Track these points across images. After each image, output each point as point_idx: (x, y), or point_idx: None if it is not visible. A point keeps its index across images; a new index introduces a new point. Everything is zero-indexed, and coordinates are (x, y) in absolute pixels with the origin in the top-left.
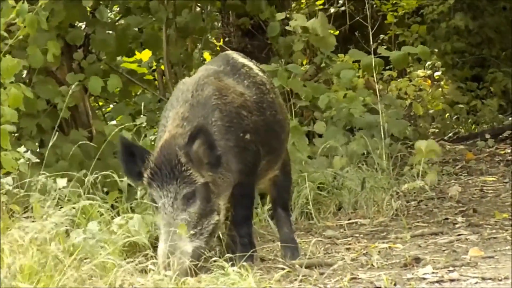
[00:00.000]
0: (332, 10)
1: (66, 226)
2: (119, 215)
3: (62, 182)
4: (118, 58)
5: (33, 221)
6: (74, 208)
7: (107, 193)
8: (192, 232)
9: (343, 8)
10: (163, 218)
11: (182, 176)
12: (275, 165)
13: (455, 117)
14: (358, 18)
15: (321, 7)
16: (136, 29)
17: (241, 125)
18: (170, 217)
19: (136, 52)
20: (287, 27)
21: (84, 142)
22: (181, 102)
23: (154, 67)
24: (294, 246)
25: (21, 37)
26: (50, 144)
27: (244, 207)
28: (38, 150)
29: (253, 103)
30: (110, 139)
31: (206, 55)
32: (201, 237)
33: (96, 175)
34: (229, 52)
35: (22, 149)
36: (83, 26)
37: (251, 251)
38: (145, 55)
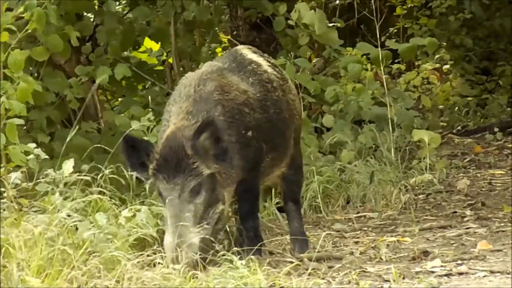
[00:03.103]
0: (337, 2)
1: (74, 220)
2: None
3: (68, 166)
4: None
5: (40, 213)
6: (83, 201)
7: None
8: (198, 222)
9: (349, 0)
10: (169, 210)
11: (189, 169)
12: (281, 162)
13: (464, 110)
14: (364, 12)
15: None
16: (144, 22)
17: (243, 121)
18: (177, 209)
19: (146, 42)
20: (289, 21)
21: (93, 132)
22: (183, 97)
23: (163, 59)
24: (304, 240)
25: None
26: (68, 139)
27: (248, 203)
28: (48, 142)
29: (256, 100)
30: (120, 131)
31: (218, 49)
32: (207, 226)
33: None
34: (240, 47)
35: (32, 144)
36: (91, 19)
37: (259, 244)
38: (155, 45)
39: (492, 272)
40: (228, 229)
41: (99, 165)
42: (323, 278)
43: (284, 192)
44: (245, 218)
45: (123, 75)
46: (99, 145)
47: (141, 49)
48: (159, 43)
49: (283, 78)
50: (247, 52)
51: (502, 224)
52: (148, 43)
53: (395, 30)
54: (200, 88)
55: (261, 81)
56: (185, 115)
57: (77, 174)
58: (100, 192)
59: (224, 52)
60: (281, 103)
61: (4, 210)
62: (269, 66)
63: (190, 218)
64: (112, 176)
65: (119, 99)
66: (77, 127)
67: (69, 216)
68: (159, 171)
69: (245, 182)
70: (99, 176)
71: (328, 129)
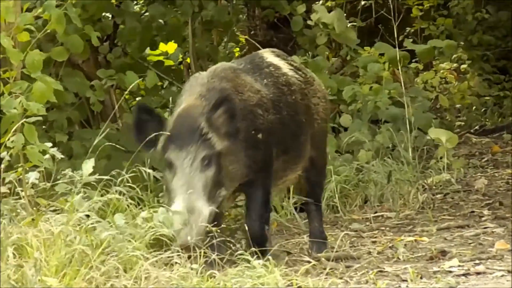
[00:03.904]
0: (362, 2)
1: (92, 221)
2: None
3: (88, 166)
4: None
5: (58, 213)
6: (101, 201)
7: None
8: (207, 196)
9: (370, 1)
10: (180, 180)
11: (202, 139)
12: (295, 165)
13: (482, 109)
14: (382, 12)
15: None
16: (162, 21)
17: (254, 123)
18: (188, 177)
19: (162, 44)
20: (308, 22)
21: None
22: (196, 86)
23: (180, 59)
24: (322, 241)
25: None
26: (96, 142)
27: (258, 206)
28: (66, 141)
29: (269, 100)
30: None
31: (236, 49)
32: (213, 205)
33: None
34: (263, 51)
35: (48, 144)
36: (110, 17)
37: (268, 248)
38: (171, 47)
39: (509, 271)
40: (246, 228)
41: (118, 165)
42: (340, 278)
43: (307, 193)
44: (253, 223)
45: (154, 83)
46: (117, 145)
47: (156, 52)
48: (175, 42)
49: (306, 82)
50: (268, 55)
51: None
52: (164, 46)
53: (412, 30)
54: (214, 81)
55: (276, 83)
56: (198, 96)
57: (97, 174)
58: (118, 193)
59: (240, 51)
60: (297, 106)
61: (19, 210)
62: (290, 69)
63: (201, 187)
64: (132, 175)
65: (137, 99)
66: (100, 128)
67: (87, 216)
68: (171, 141)
69: (253, 184)
70: (118, 179)
71: (345, 129)
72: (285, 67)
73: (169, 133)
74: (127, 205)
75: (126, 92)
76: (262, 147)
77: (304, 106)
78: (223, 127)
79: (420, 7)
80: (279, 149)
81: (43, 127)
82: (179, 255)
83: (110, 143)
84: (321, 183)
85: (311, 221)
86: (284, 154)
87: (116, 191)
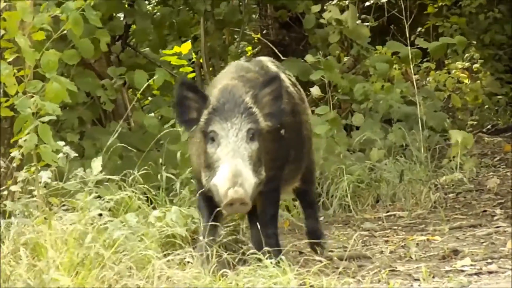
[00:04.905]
0: (368, 3)
1: (104, 220)
2: (155, 208)
3: (97, 165)
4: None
5: (70, 212)
6: (112, 200)
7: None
8: (252, 167)
9: (383, 0)
10: (226, 147)
11: (247, 113)
12: (297, 175)
13: (494, 109)
14: (393, 12)
15: None
16: (173, 20)
17: None
18: (235, 145)
19: (176, 46)
20: (321, 20)
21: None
22: (226, 73)
23: (194, 59)
24: (320, 239)
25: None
26: (112, 139)
27: (272, 206)
28: (78, 141)
29: (287, 104)
30: (149, 131)
31: (249, 48)
32: (257, 178)
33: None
34: (262, 58)
35: (61, 143)
36: (122, 17)
37: (280, 252)
38: (185, 48)
39: None
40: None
41: (130, 165)
42: (353, 277)
43: (300, 201)
44: (267, 224)
45: (163, 80)
46: (128, 144)
47: (170, 52)
48: (187, 41)
49: (301, 98)
50: (270, 64)
51: None
52: (178, 48)
53: (424, 30)
54: (241, 72)
55: (287, 92)
56: (232, 79)
57: (104, 173)
58: (130, 192)
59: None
60: (303, 116)
61: (32, 209)
62: (290, 83)
63: (246, 156)
64: (143, 172)
65: (149, 98)
66: (111, 127)
67: (99, 215)
68: (215, 114)
69: (270, 182)
70: (130, 178)
71: (357, 128)
72: (286, 80)
73: (212, 106)
74: (140, 205)
75: (138, 92)
76: (283, 145)
77: (305, 122)
78: (267, 107)
79: (435, 4)
80: (293, 153)
81: (54, 127)
82: (192, 255)
83: (122, 144)
84: (310, 190)
85: (306, 219)
86: (295, 161)
87: (127, 190)
